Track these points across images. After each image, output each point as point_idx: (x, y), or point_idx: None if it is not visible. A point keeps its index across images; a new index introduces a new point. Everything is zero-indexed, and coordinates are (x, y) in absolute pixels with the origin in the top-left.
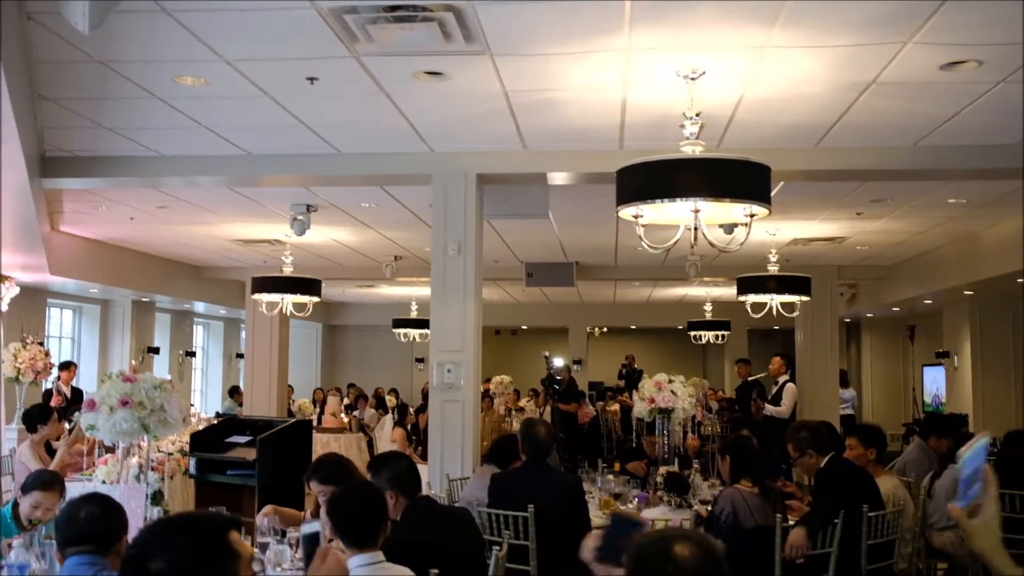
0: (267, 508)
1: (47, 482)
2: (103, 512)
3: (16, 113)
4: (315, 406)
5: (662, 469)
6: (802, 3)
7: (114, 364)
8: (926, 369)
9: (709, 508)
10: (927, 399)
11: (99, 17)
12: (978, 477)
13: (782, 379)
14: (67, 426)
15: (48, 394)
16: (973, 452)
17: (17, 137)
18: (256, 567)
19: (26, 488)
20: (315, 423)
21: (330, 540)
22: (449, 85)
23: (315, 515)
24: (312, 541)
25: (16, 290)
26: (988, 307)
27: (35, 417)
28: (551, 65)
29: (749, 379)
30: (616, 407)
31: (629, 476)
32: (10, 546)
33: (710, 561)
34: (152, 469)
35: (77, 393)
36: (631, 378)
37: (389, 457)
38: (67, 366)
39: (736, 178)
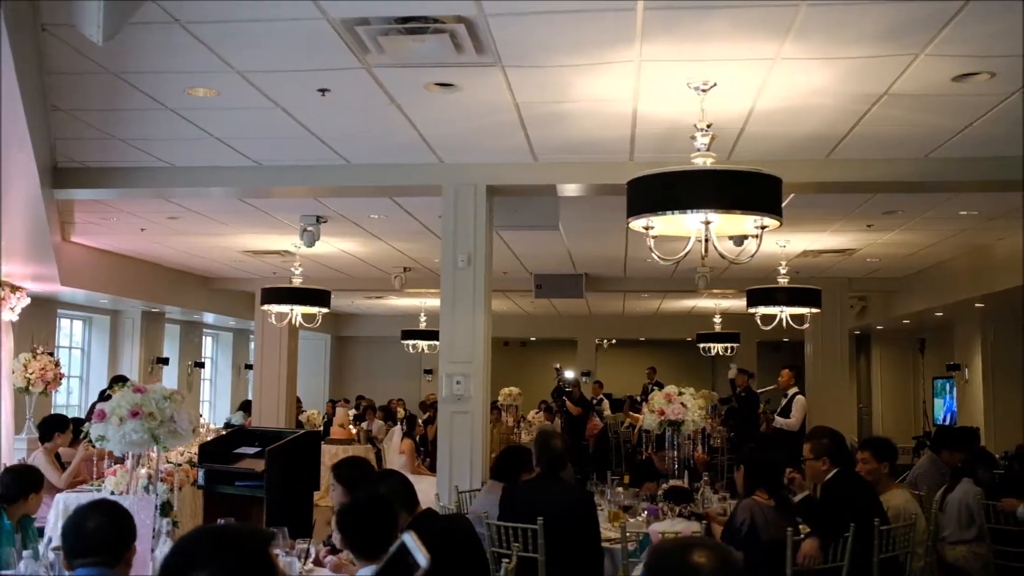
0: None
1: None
2: (111, 522)
3: (29, 123)
4: (323, 418)
5: (664, 484)
6: (814, 15)
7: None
8: (937, 382)
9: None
10: (937, 412)
11: (113, 29)
12: None
13: (791, 391)
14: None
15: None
16: None
17: (31, 147)
18: None
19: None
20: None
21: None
22: (460, 96)
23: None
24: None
25: (27, 300)
26: (1000, 320)
27: (52, 425)
28: (562, 77)
29: (759, 391)
30: (640, 416)
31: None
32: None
33: (727, 570)
34: (161, 480)
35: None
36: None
37: (383, 475)
38: None
39: (747, 190)
